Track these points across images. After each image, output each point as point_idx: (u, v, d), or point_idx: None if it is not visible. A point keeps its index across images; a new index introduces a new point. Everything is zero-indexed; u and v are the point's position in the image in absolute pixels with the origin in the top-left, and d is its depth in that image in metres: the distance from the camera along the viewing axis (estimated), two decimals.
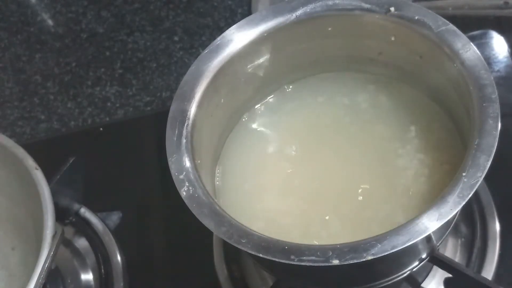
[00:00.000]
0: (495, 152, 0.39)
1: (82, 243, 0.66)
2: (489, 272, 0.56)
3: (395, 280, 0.48)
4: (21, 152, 0.56)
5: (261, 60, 0.53)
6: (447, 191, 0.38)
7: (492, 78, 0.42)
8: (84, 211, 0.68)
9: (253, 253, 0.39)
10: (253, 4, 0.84)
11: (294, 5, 0.50)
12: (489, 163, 0.39)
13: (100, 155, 0.75)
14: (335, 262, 0.37)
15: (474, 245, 0.57)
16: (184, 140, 0.45)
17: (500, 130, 0.40)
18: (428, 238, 0.45)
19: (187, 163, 0.44)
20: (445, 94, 0.49)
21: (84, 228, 0.67)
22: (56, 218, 0.52)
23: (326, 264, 0.37)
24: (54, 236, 0.51)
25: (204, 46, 0.79)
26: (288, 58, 0.54)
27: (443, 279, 0.54)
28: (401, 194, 0.48)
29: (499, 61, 0.70)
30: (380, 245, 0.37)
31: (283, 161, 0.53)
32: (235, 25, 0.50)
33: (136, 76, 0.83)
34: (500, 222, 0.59)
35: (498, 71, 0.69)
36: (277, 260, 0.38)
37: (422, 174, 0.49)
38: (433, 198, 0.46)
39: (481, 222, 0.59)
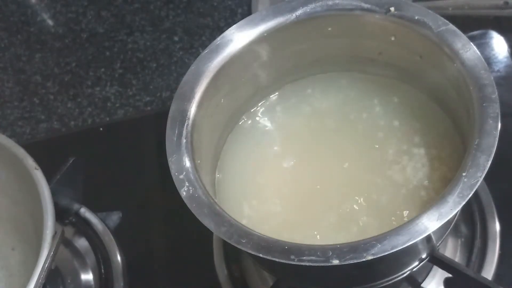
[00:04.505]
0: (495, 152, 0.39)
1: (82, 243, 0.66)
2: (489, 272, 0.56)
3: (395, 280, 0.48)
4: (21, 152, 0.56)
5: (261, 60, 0.53)
6: (447, 191, 0.38)
7: (492, 78, 0.42)
8: (84, 211, 0.68)
9: (253, 253, 0.39)
10: (253, 4, 0.84)
11: (294, 5, 0.50)
12: (489, 163, 0.39)
13: (100, 155, 0.75)
14: (335, 262, 0.37)
15: (474, 245, 0.57)
16: (184, 140, 0.45)
17: (500, 130, 0.40)
18: (428, 238, 0.45)
19: (187, 163, 0.44)
20: (445, 94, 0.49)
21: (84, 228, 0.67)
22: (56, 218, 0.52)
23: (326, 264, 0.37)
24: (54, 236, 0.51)
25: (204, 46, 0.79)
26: (288, 58, 0.54)
27: (443, 279, 0.54)
28: (401, 194, 0.48)
29: (499, 61, 0.70)
30: (380, 245, 0.37)
31: (283, 161, 0.53)
32: (235, 25, 0.50)
33: (136, 76, 0.83)
34: (500, 222, 0.59)
35: (498, 71, 0.69)
36: (277, 260, 0.38)
37: (423, 174, 0.49)
38: (433, 198, 0.46)
39: (481, 222, 0.59)
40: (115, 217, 0.69)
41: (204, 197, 0.42)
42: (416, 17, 0.47)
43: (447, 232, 0.48)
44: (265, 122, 0.56)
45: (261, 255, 0.38)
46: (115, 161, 0.74)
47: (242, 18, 0.51)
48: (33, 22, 0.94)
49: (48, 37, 0.91)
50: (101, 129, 0.78)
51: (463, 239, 0.58)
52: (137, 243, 0.68)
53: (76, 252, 0.66)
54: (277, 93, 0.57)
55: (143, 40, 0.87)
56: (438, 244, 0.48)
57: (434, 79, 0.49)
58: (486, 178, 0.39)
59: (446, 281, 0.54)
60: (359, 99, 0.55)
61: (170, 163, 0.44)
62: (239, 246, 0.39)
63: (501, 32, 0.71)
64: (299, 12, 0.50)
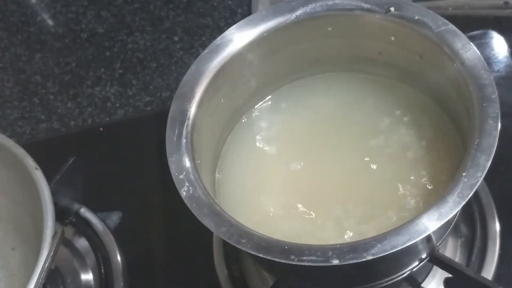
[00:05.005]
0: (495, 152, 0.39)
1: (82, 243, 0.66)
2: (489, 272, 0.56)
3: (395, 280, 0.48)
4: (21, 152, 0.56)
5: (261, 60, 0.53)
6: (447, 191, 0.38)
7: (492, 78, 0.42)
8: (84, 211, 0.68)
9: (253, 253, 0.39)
10: (253, 4, 0.84)
11: (294, 5, 0.50)
12: (489, 163, 0.39)
13: (100, 155, 0.75)
14: (335, 262, 0.37)
15: (474, 245, 0.57)
16: (184, 140, 0.45)
17: (500, 130, 0.40)
18: (428, 238, 0.45)
19: (187, 163, 0.44)
20: (445, 94, 0.49)
21: (84, 228, 0.67)
22: (56, 218, 0.52)
23: (326, 264, 0.37)
24: (54, 236, 0.51)
25: (204, 46, 0.79)
26: (288, 58, 0.54)
27: (443, 279, 0.54)
28: (401, 194, 0.48)
29: (499, 61, 0.70)
30: (380, 245, 0.37)
31: (282, 161, 0.53)
32: (235, 25, 0.50)
33: (136, 76, 0.83)
34: (500, 222, 0.59)
35: (498, 71, 0.69)
36: (277, 260, 0.38)
37: (422, 174, 0.49)
38: (433, 198, 0.46)
39: (481, 222, 0.59)
40: (115, 217, 0.69)
41: (204, 197, 0.42)
42: (416, 17, 0.47)
43: (447, 232, 0.48)
44: (265, 122, 0.56)
45: (261, 255, 0.38)
46: (115, 161, 0.74)
47: (242, 18, 0.51)
48: (33, 22, 0.94)
49: (48, 37, 0.91)
50: (101, 129, 0.78)
51: (463, 239, 0.58)
52: (137, 243, 0.68)
53: (76, 252, 0.66)
54: (276, 93, 0.57)
55: (143, 40, 0.87)
56: (438, 244, 0.48)
57: (434, 79, 0.49)
58: (486, 178, 0.39)
59: (446, 281, 0.54)
60: (359, 99, 0.55)
61: (170, 163, 0.44)
62: (239, 246, 0.39)
63: (501, 32, 0.71)
64: (299, 12, 0.50)
